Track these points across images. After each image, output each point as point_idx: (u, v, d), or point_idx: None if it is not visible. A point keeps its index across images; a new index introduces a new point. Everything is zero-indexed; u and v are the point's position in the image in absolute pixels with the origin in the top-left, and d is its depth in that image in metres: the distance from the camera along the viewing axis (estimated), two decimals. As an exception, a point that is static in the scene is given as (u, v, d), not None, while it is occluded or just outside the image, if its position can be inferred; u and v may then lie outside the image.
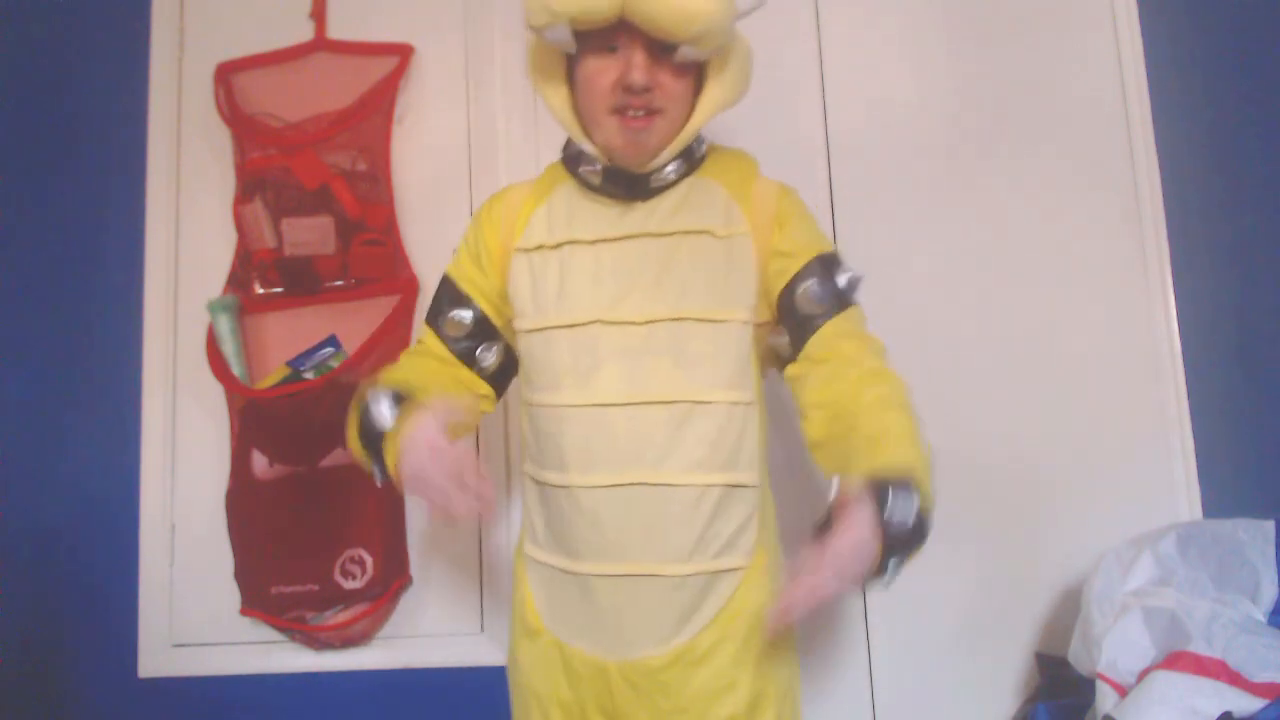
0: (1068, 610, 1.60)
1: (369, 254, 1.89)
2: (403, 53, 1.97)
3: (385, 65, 1.97)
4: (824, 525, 1.00)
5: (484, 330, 1.30)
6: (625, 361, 1.17)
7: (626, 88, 1.12)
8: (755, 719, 1.17)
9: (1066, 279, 1.74)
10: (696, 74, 1.18)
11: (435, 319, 1.32)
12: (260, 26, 2.05)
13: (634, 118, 1.15)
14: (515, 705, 1.31)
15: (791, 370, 1.21)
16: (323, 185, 1.88)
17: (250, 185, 1.94)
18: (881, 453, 1.04)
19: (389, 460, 1.13)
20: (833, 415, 1.13)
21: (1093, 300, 1.73)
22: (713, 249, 1.20)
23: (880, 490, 0.99)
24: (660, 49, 1.11)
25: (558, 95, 1.21)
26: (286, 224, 1.90)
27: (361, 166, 1.93)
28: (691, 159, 1.24)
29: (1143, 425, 1.69)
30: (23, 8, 2.19)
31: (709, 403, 1.17)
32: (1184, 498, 1.66)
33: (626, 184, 1.22)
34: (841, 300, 1.20)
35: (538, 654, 1.24)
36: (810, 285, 1.19)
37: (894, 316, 1.82)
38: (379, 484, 1.18)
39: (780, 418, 1.61)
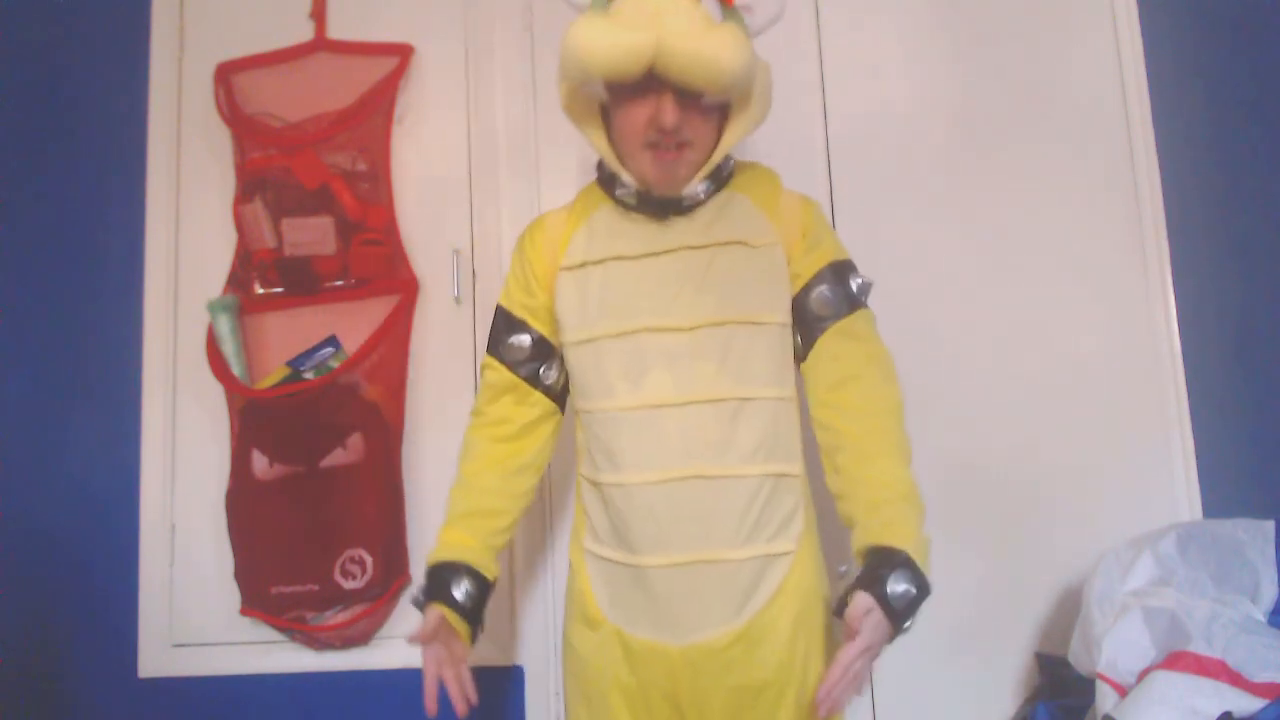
0: (1068, 610, 1.60)
1: (369, 254, 1.89)
2: (403, 53, 1.97)
3: (385, 65, 1.97)
4: (841, 602, 1.17)
5: (543, 350, 1.38)
6: (673, 364, 1.25)
7: (658, 128, 1.21)
8: (811, 689, 1.23)
9: (1066, 279, 1.74)
10: (722, 107, 1.26)
11: (496, 348, 1.40)
12: (260, 26, 2.05)
13: (666, 151, 1.23)
14: (569, 693, 1.37)
15: (804, 367, 1.31)
16: (323, 185, 1.89)
17: (250, 185, 1.94)
18: (879, 530, 1.19)
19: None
20: (835, 447, 1.26)
21: (1093, 300, 1.73)
22: (748, 257, 1.29)
23: (881, 578, 1.15)
24: (688, 93, 1.19)
25: (599, 135, 1.30)
26: (286, 224, 1.90)
27: (361, 166, 1.93)
28: (719, 177, 1.33)
29: (1143, 425, 1.69)
30: (23, 8, 2.19)
31: (754, 399, 1.25)
32: (1184, 498, 1.67)
33: (660, 204, 1.31)
34: (851, 303, 1.30)
35: (598, 643, 1.30)
36: (823, 290, 1.30)
37: (894, 317, 1.82)
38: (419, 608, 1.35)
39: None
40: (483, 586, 1.34)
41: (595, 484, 1.30)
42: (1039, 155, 1.77)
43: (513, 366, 1.38)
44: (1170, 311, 1.71)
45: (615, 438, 1.27)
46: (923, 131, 1.81)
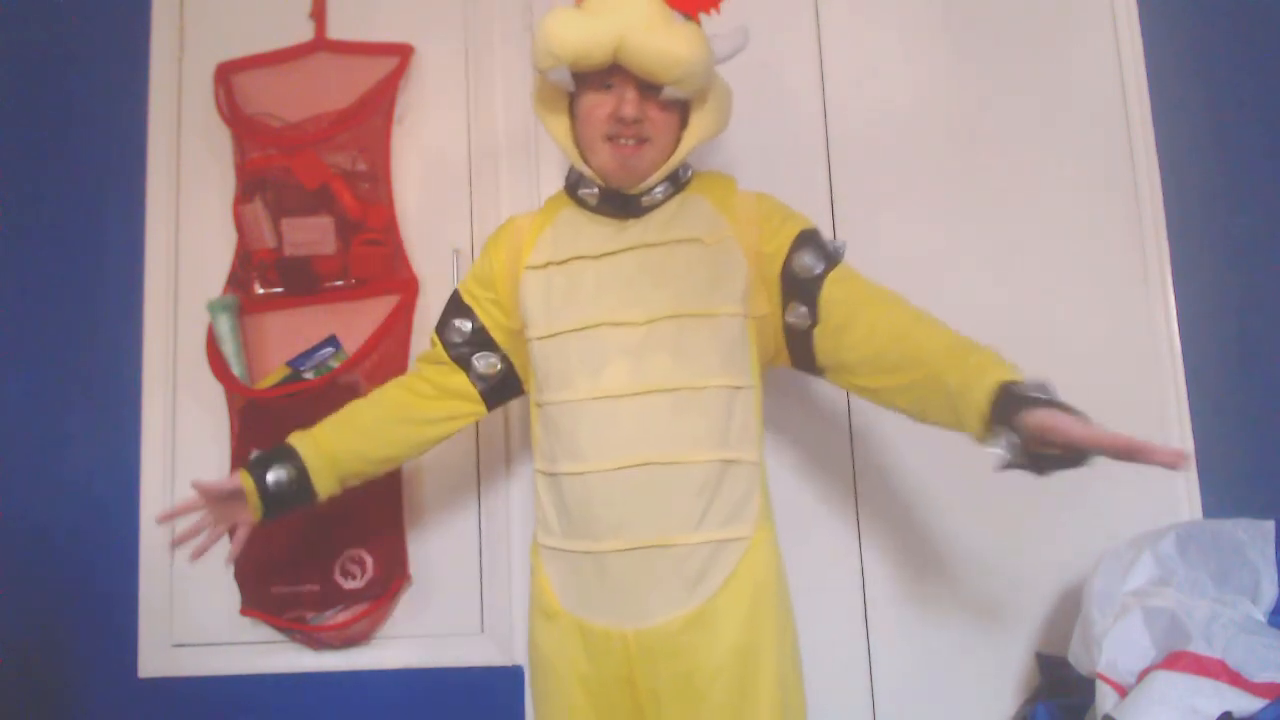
0: (1068, 610, 1.60)
1: (369, 254, 1.89)
2: (403, 53, 1.97)
3: (385, 65, 1.97)
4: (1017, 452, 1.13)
5: (480, 339, 1.47)
6: (630, 357, 1.32)
7: (619, 119, 1.29)
8: (762, 676, 1.28)
9: (1066, 279, 1.74)
10: (682, 111, 1.35)
11: (441, 327, 1.51)
12: (260, 26, 2.05)
13: (625, 145, 1.31)
14: (535, 688, 1.42)
15: (820, 330, 1.34)
16: (323, 185, 1.88)
17: (250, 185, 1.94)
18: (986, 373, 1.18)
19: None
20: (892, 350, 1.28)
21: (1093, 300, 1.73)
22: (702, 254, 1.36)
23: (1028, 397, 1.13)
24: (649, 87, 1.28)
25: (560, 125, 1.38)
26: (286, 224, 1.90)
27: (361, 166, 1.93)
28: (678, 182, 1.40)
29: (1143, 425, 1.67)
30: (23, 8, 2.19)
31: (706, 388, 1.31)
32: (1184, 498, 1.66)
33: (621, 204, 1.38)
34: (830, 259, 1.36)
35: (557, 634, 1.35)
36: (803, 255, 1.36)
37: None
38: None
39: (785, 402, 1.66)
40: (298, 487, 1.44)
41: (552, 475, 1.36)
42: (1039, 155, 1.77)
43: (448, 346, 1.48)
44: (1170, 311, 1.71)
45: (575, 428, 1.33)
46: (923, 132, 1.81)
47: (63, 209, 2.12)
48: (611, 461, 1.29)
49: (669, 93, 1.28)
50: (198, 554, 1.45)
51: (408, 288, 1.90)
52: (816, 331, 1.34)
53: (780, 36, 1.86)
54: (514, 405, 1.88)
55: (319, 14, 2.02)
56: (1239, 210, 1.63)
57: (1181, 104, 1.73)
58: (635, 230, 1.38)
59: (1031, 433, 1.10)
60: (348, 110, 1.94)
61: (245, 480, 1.43)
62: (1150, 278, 1.72)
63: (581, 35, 1.23)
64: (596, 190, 1.38)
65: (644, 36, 1.22)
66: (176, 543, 1.47)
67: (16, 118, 2.17)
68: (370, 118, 1.93)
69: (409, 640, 1.86)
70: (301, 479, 1.44)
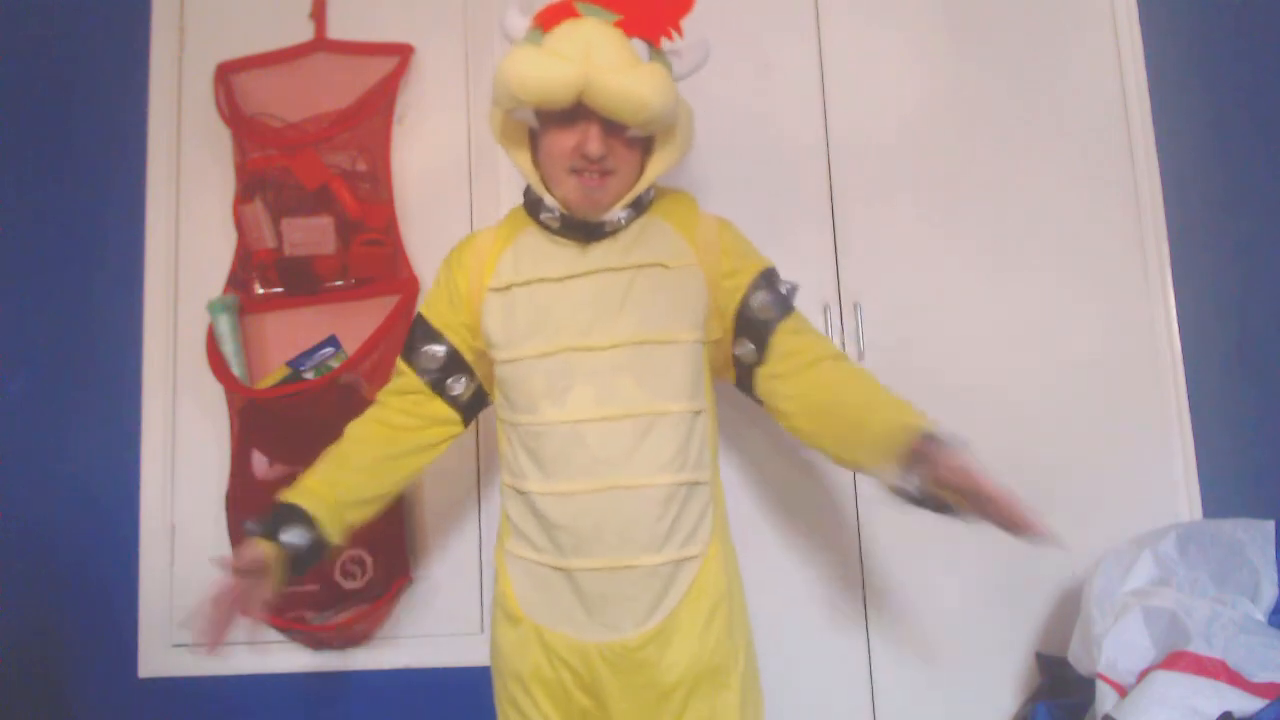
0: (1068, 610, 1.60)
1: (369, 254, 1.89)
2: (403, 53, 1.97)
3: (385, 65, 1.97)
4: (924, 490, 1.19)
5: (454, 363, 1.44)
6: (594, 382, 1.32)
7: (584, 155, 1.28)
8: (722, 688, 1.33)
9: (1066, 279, 1.74)
10: (645, 139, 1.34)
11: (409, 354, 1.46)
12: (260, 26, 2.05)
13: (590, 178, 1.30)
14: (498, 687, 1.44)
15: (765, 371, 1.37)
16: (323, 185, 1.88)
17: (250, 185, 1.94)
18: (904, 413, 1.25)
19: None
20: (827, 399, 1.33)
21: (1093, 300, 1.73)
22: (665, 279, 1.36)
23: (935, 436, 1.19)
24: (613, 124, 1.27)
25: (522, 157, 1.37)
26: (286, 224, 1.90)
27: (361, 166, 1.93)
28: (639, 205, 1.39)
29: (1143, 425, 1.69)
30: (23, 8, 2.19)
31: (668, 413, 1.32)
32: (1184, 498, 1.67)
33: (583, 228, 1.37)
34: (786, 305, 1.39)
35: (518, 639, 1.37)
36: (761, 295, 1.38)
37: (894, 317, 1.82)
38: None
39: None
40: (316, 543, 1.34)
41: (520, 492, 1.36)
42: (1039, 155, 1.77)
43: (421, 373, 1.44)
44: (1170, 311, 1.71)
45: (541, 449, 1.33)
46: (923, 131, 1.81)
47: (63, 209, 2.12)
48: (577, 484, 1.30)
49: (634, 132, 1.28)
50: (214, 646, 1.27)
51: (408, 288, 1.90)
52: (760, 371, 1.37)
53: (780, 36, 1.86)
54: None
55: (319, 14, 2.02)
56: (1239, 211, 1.63)
57: (1181, 104, 1.73)
58: (597, 254, 1.37)
59: (944, 468, 1.15)
60: (348, 110, 1.94)
61: (267, 548, 1.30)
62: (1150, 278, 1.72)
63: (545, 78, 1.22)
64: (558, 215, 1.36)
65: (609, 78, 1.21)
66: (210, 646, 1.27)
67: (17, 118, 2.17)
68: (370, 117, 1.93)
69: (409, 640, 1.86)
70: (316, 537, 1.34)
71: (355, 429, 1.45)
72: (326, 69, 2.00)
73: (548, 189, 1.35)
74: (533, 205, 1.41)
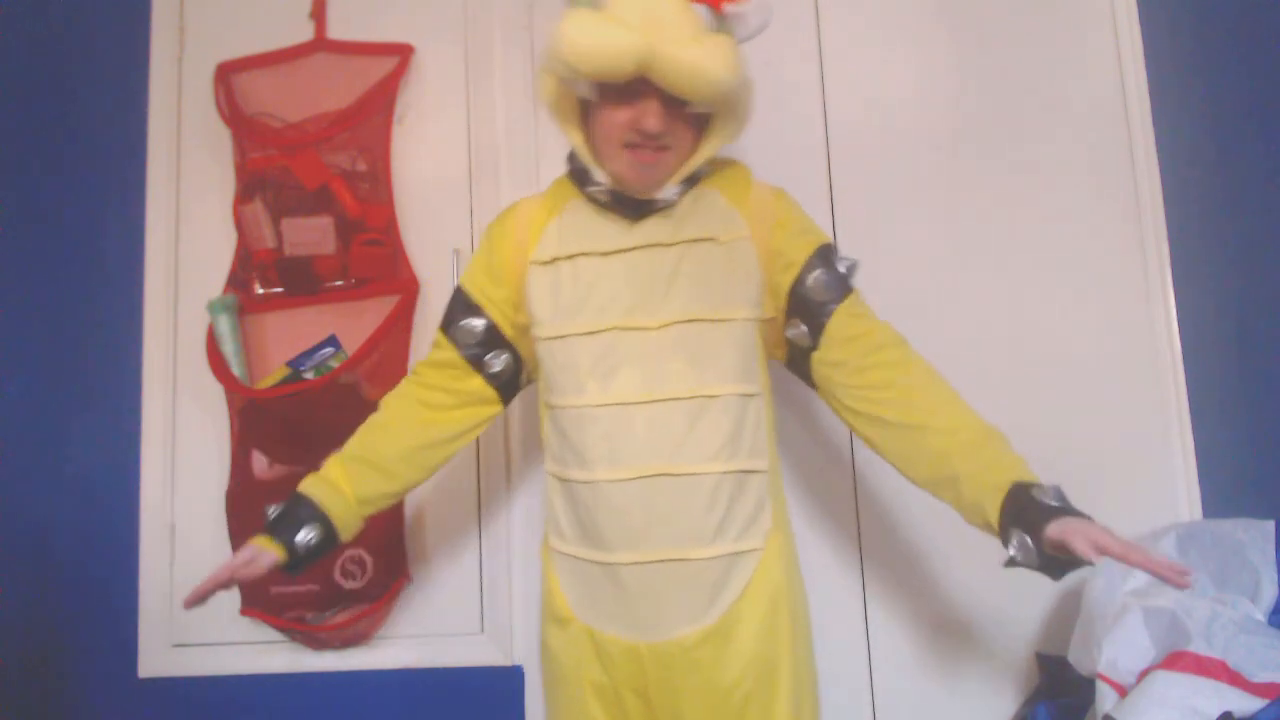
0: (1068, 610, 1.60)
1: (369, 254, 1.89)
2: (403, 53, 1.97)
3: (385, 65, 1.97)
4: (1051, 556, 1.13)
5: (493, 339, 1.38)
6: (642, 363, 1.25)
7: (641, 131, 1.20)
8: (779, 686, 1.25)
9: (1066, 279, 1.74)
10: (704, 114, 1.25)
11: (449, 326, 1.41)
12: (260, 26, 2.05)
13: (645, 154, 1.23)
14: (548, 693, 1.38)
15: (820, 357, 1.30)
16: (323, 185, 1.88)
17: (250, 185, 1.94)
18: (1003, 472, 1.18)
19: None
20: (892, 411, 1.25)
21: (1093, 300, 1.73)
22: (716, 254, 1.29)
23: (1044, 506, 1.13)
24: (673, 99, 1.18)
25: (572, 127, 1.28)
26: (286, 224, 1.90)
27: (361, 166, 1.93)
28: (692, 178, 1.31)
29: (1143, 425, 1.69)
30: (23, 8, 2.19)
31: (720, 396, 1.25)
32: (1184, 498, 1.66)
33: (632, 204, 1.30)
34: (844, 285, 1.31)
35: (568, 640, 1.31)
36: (818, 275, 1.29)
37: (893, 317, 1.81)
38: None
39: (789, 406, 1.64)
40: (327, 543, 1.35)
41: (563, 480, 1.30)
42: (1039, 155, 1.77)
43: (460, 348, 1.39)
44: (1170, 311, 1.71)
45: (584, 435, 1.27)
46: (922, 132, 1.81)
47: (63, 209, 2.12)
48: (623, 472, 1.23)
49: (698, 108, 1.21)
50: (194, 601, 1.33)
51: (408, 288, 1.90)
52: (815, 356, 1.30)
53: (780, 36, 1.86)
54: (514, 404, 1.88)
55: (319, 14, 2.02)
56: (1239, 211, 1.63)
57: (1181, 104, 1.73)
58: (646, 228, 1.30)
59: (1053, 543, 1.10)
60: (348, 110, 1.94)
61: (277, 550, 1.33)
62: (1150, 278, 1.72)
63: (606, 49, 1.13)
64: (606, 189, 1.29)
65: (675, 51, 1.12)
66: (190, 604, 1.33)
67: (17, 118, 2.17)
68: (370, 118, 1.93)
69: (409, 640, 1.86)
70: (329, 533, 1.35)
71: (392, 407, 1.42)
72: (326, 69, 2.00)
73: (597, 162, 1.27)
74: (579, 175, 1.33)
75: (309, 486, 1.37)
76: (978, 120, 1.80)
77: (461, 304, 1.40)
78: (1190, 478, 1.67)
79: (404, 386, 1.44)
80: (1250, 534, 1.36)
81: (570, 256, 1.31)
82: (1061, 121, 1.78)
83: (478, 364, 1.39)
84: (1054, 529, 1.09)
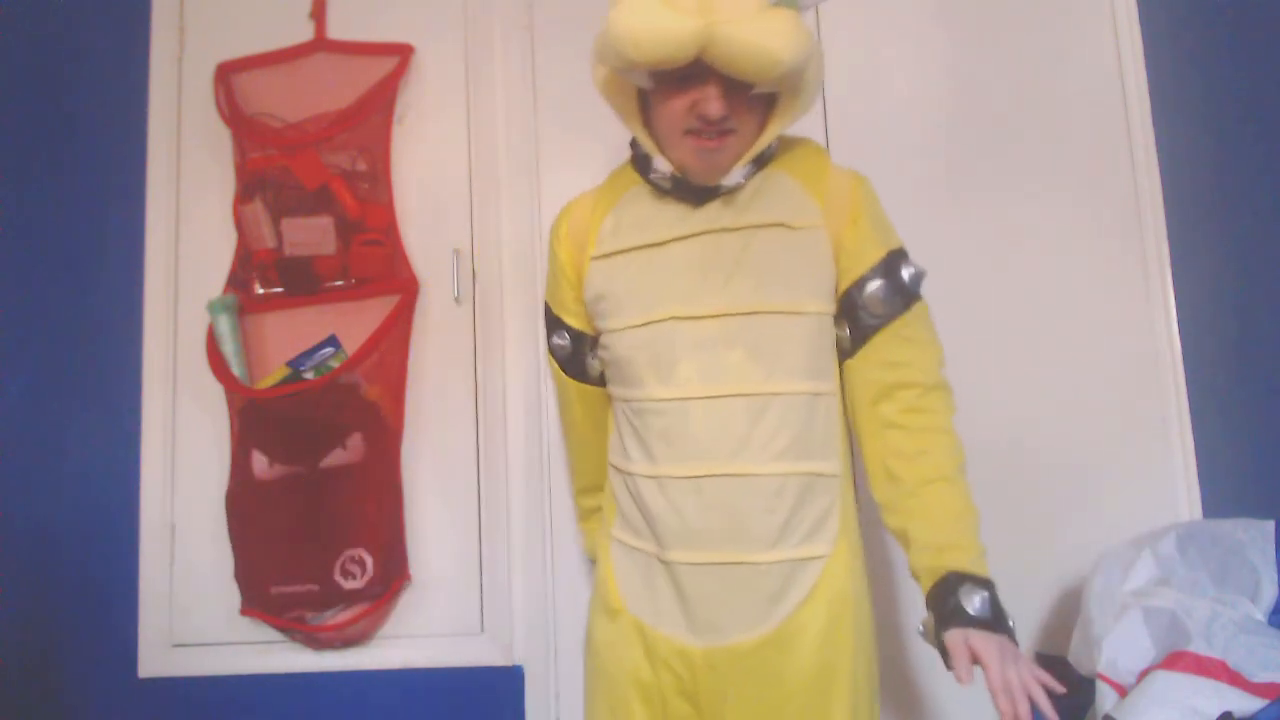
0: (1068, 610, 1.60)
1: (369, 254, 1.89)
2: (403, 53, 1.97)
3: (385, 65, 1.97)
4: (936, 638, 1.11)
5: (581, 346, 1.36)
6: (701, 355, 1.19)
7: (703, 118, 1.13)
8: (836, 699, 1.18)
9: (1066, 279, 1.74)
10: (770, 94, 1.18)
11: (551, 349, 1.42)
12: (260, 26, 2.05)
13: (708, 139, 1.16)
14: (588, 685, 1.32)
15: (853, 365, 1.24)
16: (323, 185, 1.89)
17: (250, 185, 1.94)
18: (937, 555, 1.14)
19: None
20: (892, 480, 1.20)
21: (1093, 300, 1.73)
22: (787, 241, 1.21)
23: (957, 606, 1.10)
24: (735, 82, 1.12)
25: (631, 116, 1.23)
26: (286, 224, 1.90)
27: (361, 166, 1.93)
28: (761, 160, 1.24)
29: (1143, 425, 1.69)
30: (23, 8, 2.19)
31: (786, 394, 1.18)
32: (1184, 498, 1.66)
33: (695, 189, 1.23)
34: (906, 298, 1.22)
35: (616, 634, 1.25)
36: (878, 286, 1.21)
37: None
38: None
39: None
40: None
41: (624, 473, 1.26)
42: (1039, 155, 1.77)
43: (562, 364, 1.40)
44: (1170, 311, 1.71)
45: (645, 429, 1.22)
46: (922, 132, 1.81)
47: (63, 209, 2.12)
48: (683, 469, 1.18)
49: (762, 89, 1.12)
50: None
51: (408, 288, 1.90)
52: (848, 364, 1.25)
53: (780, 36, 1.86)
54: (510, 407, 1.88)
55: (319, 14, 2.02)
56: (1239, 210, 1.63)
57: (1181, 104, 1.73)
58: (710, 211, 1.22)
59: (945, 647, 1.09)
60: (348, 110, 1.94)
61: None
62: (1150, 278, 1.72)
63: (663, 35, 1.06)
64: (669, 175, 1.22)
65: (735, 31, 1.05)
66: None
67: (17, 117, 2.17)
68: (370, 118, 1.93)
69: (409, 640, 1.86)
70: None
71: (574, 431, 1.47)
72: (326, 69, 2.00)
73: (660, 150, 1.21)
74: (641, 162, 1.27)
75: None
76: (977, 120, 1.80)
77: (549, 322, 1.40)
78: (1190, 478, 1.67)
79: (566, 411, 1.47)
80: (1250, 534, 1.36)
81: (628, 250, 1.25)
82: (1061, 121, 1.78)
83: (582, 376, 1.38)
84: (952, 637, 1.08)
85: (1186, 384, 1.69)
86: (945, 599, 1.11)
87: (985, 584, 1.12)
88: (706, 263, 1.21)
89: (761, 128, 1.19)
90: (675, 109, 1.15)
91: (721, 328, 1.19)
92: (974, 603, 1.10)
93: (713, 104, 1.12)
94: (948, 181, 1.79)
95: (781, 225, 1.21)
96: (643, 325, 1.22)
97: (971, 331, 1.75)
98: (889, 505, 1.21)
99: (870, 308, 1.21)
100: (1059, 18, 1.80)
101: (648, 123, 1.23)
